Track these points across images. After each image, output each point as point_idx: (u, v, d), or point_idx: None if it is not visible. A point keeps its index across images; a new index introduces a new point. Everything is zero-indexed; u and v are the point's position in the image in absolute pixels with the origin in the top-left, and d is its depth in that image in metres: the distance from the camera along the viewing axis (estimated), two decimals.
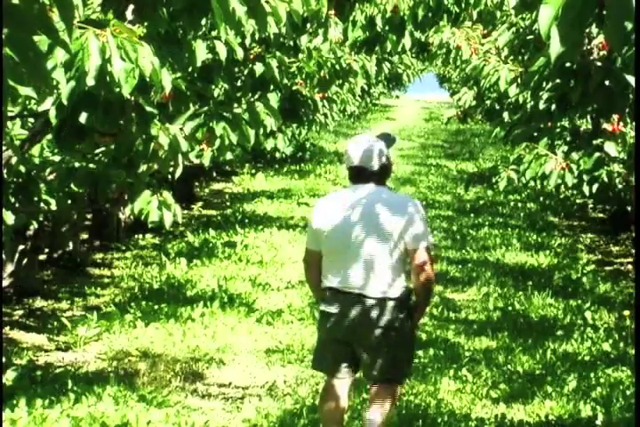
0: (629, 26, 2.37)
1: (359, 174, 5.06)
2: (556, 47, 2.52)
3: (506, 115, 12.61)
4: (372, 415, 5.04)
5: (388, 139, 5.22)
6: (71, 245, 10.73)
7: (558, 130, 9.32)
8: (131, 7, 5.05)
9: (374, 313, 4.94)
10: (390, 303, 4.95)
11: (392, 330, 4.97)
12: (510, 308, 9.25)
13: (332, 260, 5.03)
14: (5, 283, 8.81)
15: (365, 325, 4.95)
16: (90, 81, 4.44)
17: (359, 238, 4.94)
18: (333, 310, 5.01)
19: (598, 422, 6.04)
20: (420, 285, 5.01)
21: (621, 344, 7.81)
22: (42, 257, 10.33)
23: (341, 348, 5.05)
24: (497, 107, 13.19)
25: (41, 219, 8.04)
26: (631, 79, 6.30)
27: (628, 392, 6.49)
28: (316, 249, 5.10)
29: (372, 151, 5.05)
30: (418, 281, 5.01)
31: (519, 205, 16.40)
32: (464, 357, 7.53)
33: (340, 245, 4.97)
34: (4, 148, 5.45)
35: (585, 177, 8.76)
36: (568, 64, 6.70)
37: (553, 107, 7.32)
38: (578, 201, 15.68)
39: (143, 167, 6.95)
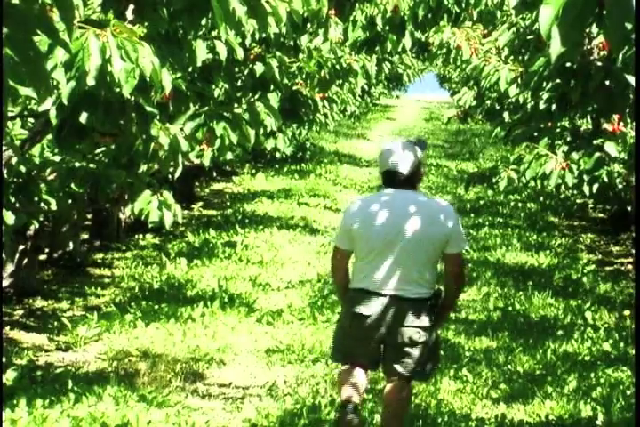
0: (629, 26, 2.37)
1: (392, 179, 5.15)
2: (556, 47, 2.52)
3: (506, 115, 12.62)
4: (396, 409, 5.17)
5: (421, 144, 5.31)
6: (71, 245, 10.73)
7: (558, 130, 9.33)
8: (131, 7, 5.06)
9: (409, 313, 5.06)
10: (424, 304, 5.09)
11: (424, 329, 5.09)
12: (510, 308, 9.25)
13: (368, 261, 5.10)
14: (6, 283, 8.81)
15: (400, 324, 5.06)
16: (90, 81, 4.44)
17: (398, 242, 5.03)
18: (368, 311, 5.08)
19: (598, 422, 6.04)
20: (453, 287, 5.22)
21: (622, 344, 7.81)
22: (42, 257, 10.33)
23: (371, 347, 5.15)
24: (497, 107, 13.20)
25: (41, 219, 8.04)
26: (631, 79, 6.30)
27: (628, 392, 6.49)
28: (348, 249, 5.19)
29: (406, 156, 5.14)
30: (452, 283, 5.21)
31: (519, 205, 16.39)
32: (464, 357, 7.53)
33: (380, 247, 5.05)
34: (4, 148, 5.45)
35: (585, 177, 8.76)
36: (568, 64, 6.70)
37: (553, 107, 7.32)
38: (578, 201, 15.68)
39: (143, 167, 6.95)
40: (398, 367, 5.13)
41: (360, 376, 5.17)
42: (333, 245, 5.36)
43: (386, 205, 5.10)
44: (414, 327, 5.06)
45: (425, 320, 5.08)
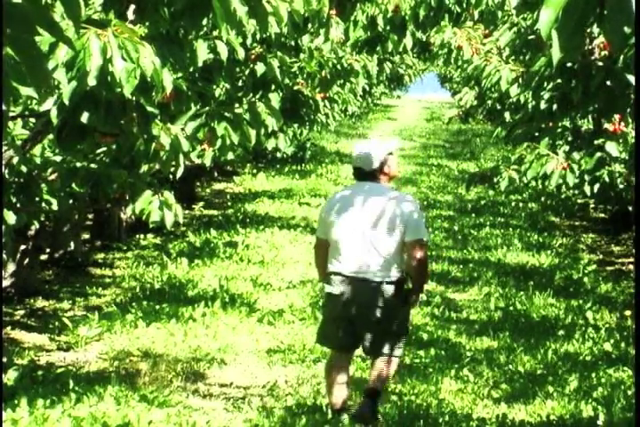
0: (629, 27, 2.37)
1: (358, 173, 5.82)
2: (557, 49, 2.51)
3: (507, 115, 12.60)
4: (374, 384, 5.75)
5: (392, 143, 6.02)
6: (72, 244, 10.73)
7: (559, 130, 9.32)
8: (132, 7, 5.05)
9: (376, 295, 5.64)
10: (389, 286, 5.66)
11: (391, 309, 5.67)
12: (511, 308, 9.24)
13: (338, 247, 5.70)
14: (7, 283, 8.81)
15: (368, 305, 5.66)
16: (91, 81, 4.44)
17: (364, 229, 5.64)
18: (340, 292, 5.69)
19: (600, 422, 6.03)
20: (415, 272, 5.72)
21: (623, 344, 7.81)
22: (43, 257, 10.33)
23: (346, 326, 5.73)
24: (498, 107, 13.18)
25: (42, 219, 8.04)
26: (632, 79, 6.30)
27: (629, 392, 6.49)
28: (324, 238, 5.82)
29: (369, 154, 5.77)
30: (413, 269, 5.71)
31: (520, 205, 16.39)
32: (465, 357, 7.53)
33: (347, 234, 5.67)
34: (5, 148, 5.45)
35: (586, 177, 8.76)
36: (569, 64, 6.69)
37: (554, 107, 7.31)
38: (579, 201, 15.67)
39: (144, 167, 6.95)
40: (374, 347, 5.73)
41: (345, 368, 5.79)
42: (315, 236, 6.01)
43: (355, 197, 5.73)
44: (381, 307, 5.64)
45: (392, 301, 5.64)
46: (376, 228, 5.63)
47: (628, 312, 8.84)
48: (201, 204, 15.38)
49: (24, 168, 6.77)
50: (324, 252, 5.83)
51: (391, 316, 5.68)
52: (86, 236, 11.94)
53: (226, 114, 6.79)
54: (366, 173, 5.76)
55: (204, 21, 5.17)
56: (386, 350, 5.74)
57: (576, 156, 8.81)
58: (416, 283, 5.78)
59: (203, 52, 6.35)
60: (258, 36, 6.73)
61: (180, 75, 6.01)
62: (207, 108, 6.80)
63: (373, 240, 5.62)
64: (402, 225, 5.62)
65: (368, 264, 5.63)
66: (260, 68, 7.75)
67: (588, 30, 6.17)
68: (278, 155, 19.19)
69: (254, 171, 19.65)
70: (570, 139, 9.18)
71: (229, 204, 15.94)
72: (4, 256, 8.61)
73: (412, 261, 5.66)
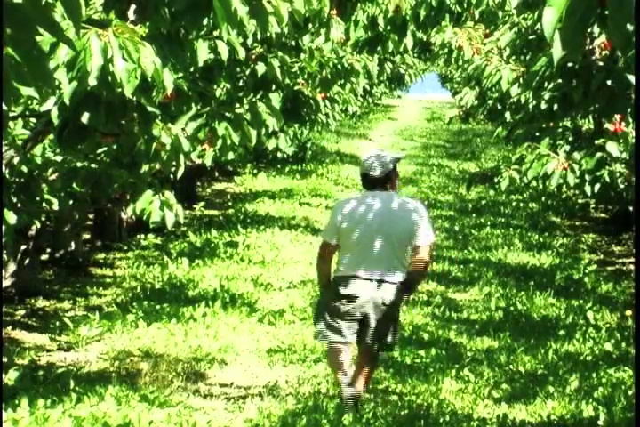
0: (631, 26, 2.36)
1: (367, 180, 6.11)
2: (558, 49, 2.51)
3: (508, 115, 12.60)
4: (364, 372, 6.05)
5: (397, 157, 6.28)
6: (73, 244, 10.73)
7: (560, 130, 9.32)
8: (133, 7, 5.05)
9: (384, 294, 5.95)
10: (395, 287, 5.97)
11: (394, 307, 6.03)
12: (512, 308, 9.24)
13: (354, 252, 5.97)
14: (7, 283, 8.81)
15: (377, 303, 5.96)
16: (92, 81, 4.44)
17: (377, 234, 5.92)
18: (358, 292, 5.95)
19: (600, 422, 6.03)
20: (416, 274, 6.06)
21: (623, 344, 7.81)
22: (44, 257, 10.33)
23: (353, 323, 6.00)
24: (499, 107, 13.17)
25: (43, 219, 8.04)
26: (633, 79, 6.29)
27: (630, 392, 6.48)
28: (334, 242, 6.06)
29: (378, 162, 6.05)
30: (415, 270, 6.04)
31: (521, 205, 16.39)
32: (466, 357, 7.53)
33: (361, 239, 5.94)
34: (6, 148, 5.45)
35: (587, 177, 8.76)
36: (570, 64, 6.69)
37: (555, 107, 7.31)
38: (580, 201, 15.67)
39: (145, 167, 6.95)
40: (374, 340, 6.02)
41: (344, 354, 6.05)
42: (322, 241, 6.16)
43: (367, 204, 6.01)
44: (391, 307, 5.98)
45: (396, 300, 6.01)
46: (388, 232, 5.92)
47: (628, 312, 8.83)
48: (201, 204, 15.38)
49: (25, 168, 6.78)
50: (331, 256, 6.14)
51: (391, 313, 6.02)
52: (87, 236, 11.94)
53: (226, 114, 6.79)
54: (375, 181, 6.05)
55: (205, 21, 5.17)
56: (385, 342, 6.07)
57: (577, 156, 8.81)
58: (416, 282, 6.19)
59: (203, 52, 6.35)
60: (258, 36, 6.72)
61: (180, 75, 6.02)
62: (208, 108, 6.80)
63: (390, 244, 5.93)
64: (412, 230, 5.96)
65: (379, 267, 5.95)
66: (260, 68, 7.75)
67: (589, 30, 6.17)
68: (279, 155, 19.16)
69: (255, 171, 19.64)
70: (570, 139, 9.19)
71: (230, 204, 15.94)
72: (5, 256, 8.62)
73: (419, 262, 6.01)
